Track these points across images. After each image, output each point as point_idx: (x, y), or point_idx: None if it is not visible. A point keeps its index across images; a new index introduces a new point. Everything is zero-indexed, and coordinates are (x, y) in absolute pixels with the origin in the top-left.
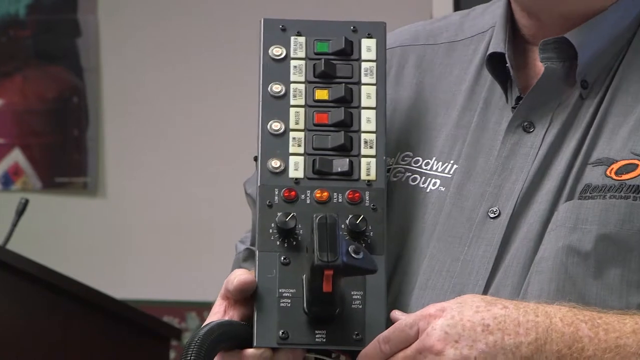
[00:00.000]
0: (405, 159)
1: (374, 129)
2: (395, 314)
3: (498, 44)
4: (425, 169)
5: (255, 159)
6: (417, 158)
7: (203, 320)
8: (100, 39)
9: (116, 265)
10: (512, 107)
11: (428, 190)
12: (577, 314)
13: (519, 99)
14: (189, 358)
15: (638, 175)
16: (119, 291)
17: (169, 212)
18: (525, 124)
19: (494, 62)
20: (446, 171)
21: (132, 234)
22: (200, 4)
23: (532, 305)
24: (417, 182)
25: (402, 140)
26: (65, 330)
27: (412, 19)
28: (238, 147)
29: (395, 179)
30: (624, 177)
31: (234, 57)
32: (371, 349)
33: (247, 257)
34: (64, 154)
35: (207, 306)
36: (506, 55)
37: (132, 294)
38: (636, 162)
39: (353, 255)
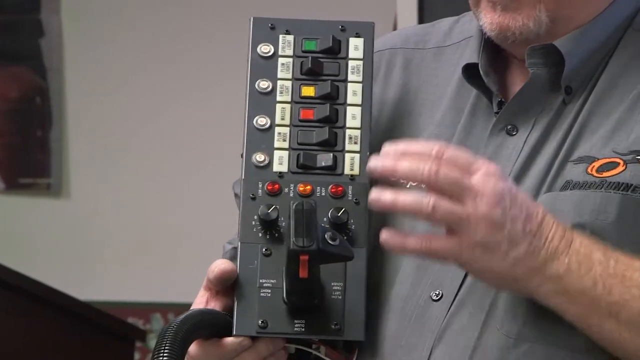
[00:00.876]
0: None
1: (358, 125)
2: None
3: (472, 55)
4: None
5: (242, 156)
6: None
7: (167, 322)
8: (64, 39)
9: (80, 267)
10: (495, 113)
11: (408, 186)
12: (593, 242)
13: (500, 103)
14: (164, 343)
15: (619, 173)
16: (83, 292)
17: (133, 213)
18: (509, 127)
19: (472, 71)
20: None
21: (96, 235)
22: (164, 4)
23: (562, 224)
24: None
25: (385, 139)
26: (28, 332)
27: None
28: (205, 149)
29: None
30: (605, 174)
31: (202, 57)
32: (426, 146)
33: (234, 257)
34: (27, 154)
35: (172, 307)
36: (479, 65)
37: (96, 295)
38: (617, 160)
39: (329, 241)
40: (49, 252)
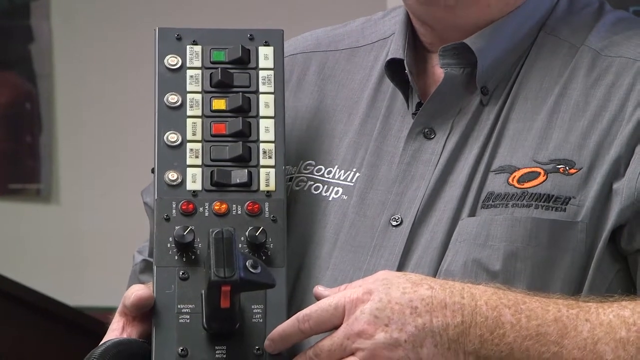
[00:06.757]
0: (308, 167)
1: (272, 138)
2: (319, 289)
3: (397, 50)
4: (328, 178)
5: (153, 170)
6: (320, 166)
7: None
8: (54, 45)
9: (71, 272)
10: (413, 114)
11: (330, 199)
12: (501, 297)
13: (419, 105)
14: None
15: (540, 184)
16: (74, 298)
17: (123, 218)
18: (426, 130)
19: (394, 68)
20: (348, 179)
21: (86, 240)
22: (153, 10)
23: (458, 286)
24: (319, 190)
25: (304, 149)
26: (17, 338)
27: (367, 8)
28: None
29: (297, 188)
30: (526, 185)
31: None
32: (289, 327)
33: (145, 269)
34: (17, 160)
35: None
36: (405, 62)
37: (88, 301)
38: (538, 170)
39: (250, 269)
40: (39, 258)
